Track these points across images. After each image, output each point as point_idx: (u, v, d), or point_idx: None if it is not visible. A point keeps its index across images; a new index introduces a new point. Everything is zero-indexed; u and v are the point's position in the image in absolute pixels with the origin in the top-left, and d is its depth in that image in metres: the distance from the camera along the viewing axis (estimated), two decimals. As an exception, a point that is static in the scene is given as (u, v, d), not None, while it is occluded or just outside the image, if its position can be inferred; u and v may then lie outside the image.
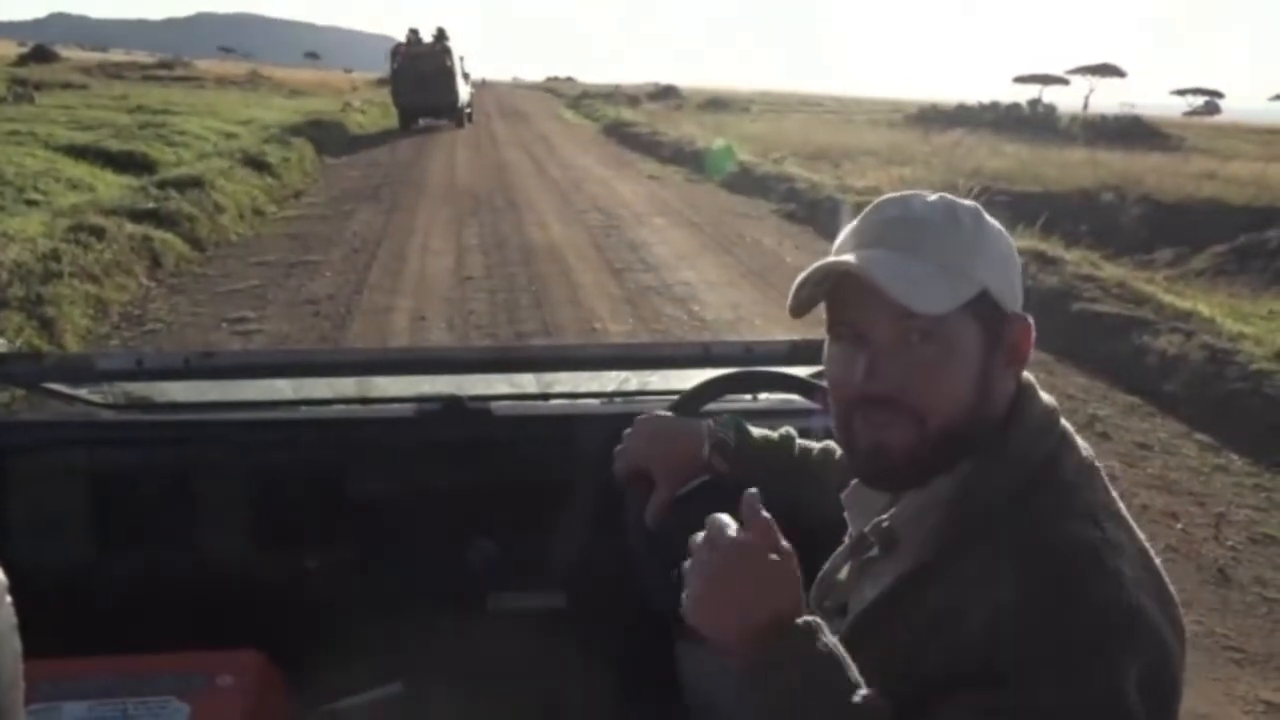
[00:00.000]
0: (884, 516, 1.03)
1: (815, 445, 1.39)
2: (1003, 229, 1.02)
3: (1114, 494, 0.97)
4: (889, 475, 1.01)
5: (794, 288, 1.01)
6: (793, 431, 1.43)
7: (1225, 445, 5.40)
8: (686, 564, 0.97)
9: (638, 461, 1.42)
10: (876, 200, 1.03)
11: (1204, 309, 7.41)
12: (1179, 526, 4.37)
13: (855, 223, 1.02)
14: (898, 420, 0.96)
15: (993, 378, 0.97)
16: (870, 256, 0.96)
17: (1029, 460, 0.95)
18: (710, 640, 0.92)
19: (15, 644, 0.85)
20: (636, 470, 1.42)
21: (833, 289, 1.00)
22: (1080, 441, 1.00)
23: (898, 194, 1.03)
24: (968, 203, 1.01)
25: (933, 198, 1.01)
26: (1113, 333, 7.10)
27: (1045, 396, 1.01)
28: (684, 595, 0.95)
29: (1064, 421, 1.00)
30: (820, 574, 1.12)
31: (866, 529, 1.05)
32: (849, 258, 0.96)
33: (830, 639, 0.90)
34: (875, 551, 1.03)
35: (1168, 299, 7.70)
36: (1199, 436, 5.53)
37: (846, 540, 1.11)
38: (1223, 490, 4.82)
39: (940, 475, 0.98)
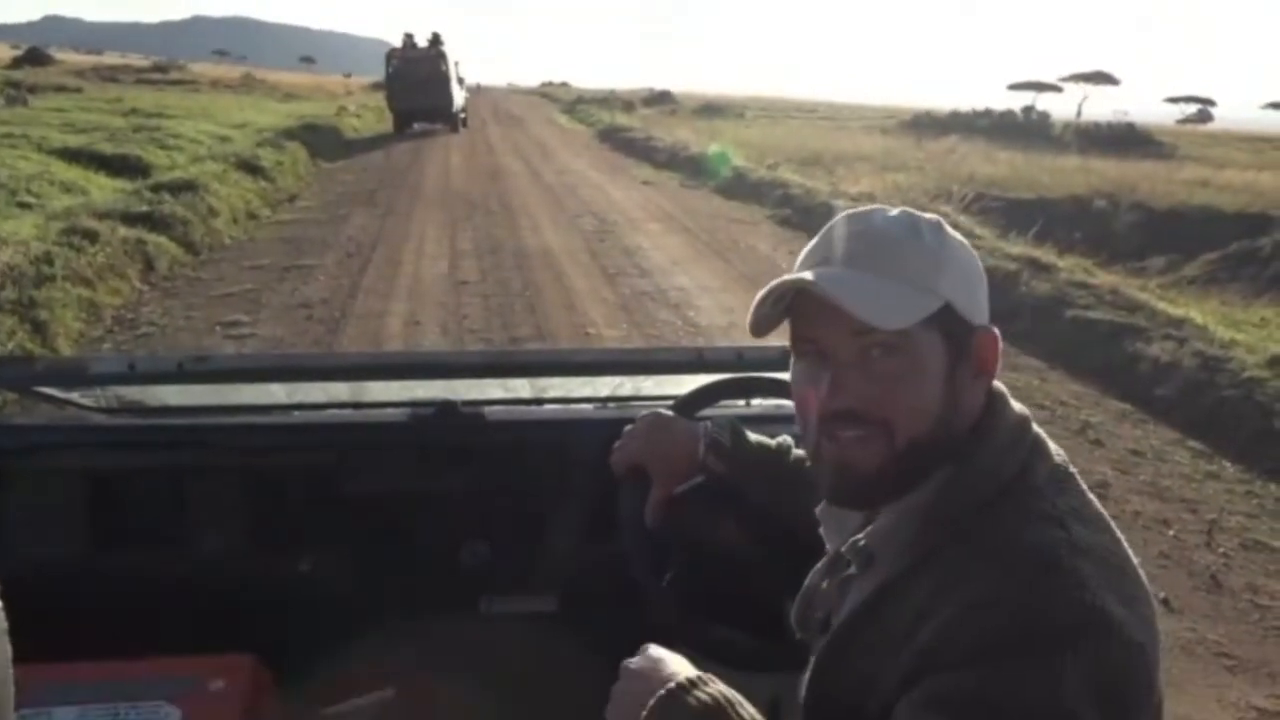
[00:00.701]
0: (859, 536, 1.02)
1: None
2: (965, 242, 1.01)
3: (1089, 498, 0.96)
4: (856, 492, 1.00)
5: (753, 305, 1.00)
6: (790, 440, 1.43)
7: (1217, 452, 5.42)
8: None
9: (635, 458, 1.42)
10: (837, 216, 1.03)
11: (1196, 316, 7.44)
12: (1171, 533, 4.38)
13: (817, 239, 1.02)
14: (863, 435, 0.96)
15: (960, 390, 0.97)
16: (829, 273, 0.96)
17: (1000, 471, 0.95)
18: None
19: (6, 648, 0.85)
20: (633, 467, 1.43)
21: (793, 306, 1.00)
22: (1053, 447, 0.99)
23: (859, 209, 1.03)
24: (930, 216, 1.00)
25: (894, 212, 1.00)
26: (1105, 340, 7.13)
27: (1016, 406, 1.01)
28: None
29: (1036, 428, 1.00)
30: (801, 591, 1.12)
31: (843, 548, 1.05)
32: (808, 274, 0.96)
33: (713, 690, 0.95)
34: (853, 570, 1.03)
35: (1160, 306, 7.73)
36: (1191, 443, 5.55)
37: (826, 555, 1.11)
38: (1215, 497, 4.84)
39: (911, 493, 0.98)
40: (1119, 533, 0.95)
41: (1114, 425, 5.80)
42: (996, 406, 0.99)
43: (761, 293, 0.99)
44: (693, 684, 0.95)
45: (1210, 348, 6.55)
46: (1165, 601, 3.77)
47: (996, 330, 1.00)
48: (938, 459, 0.96)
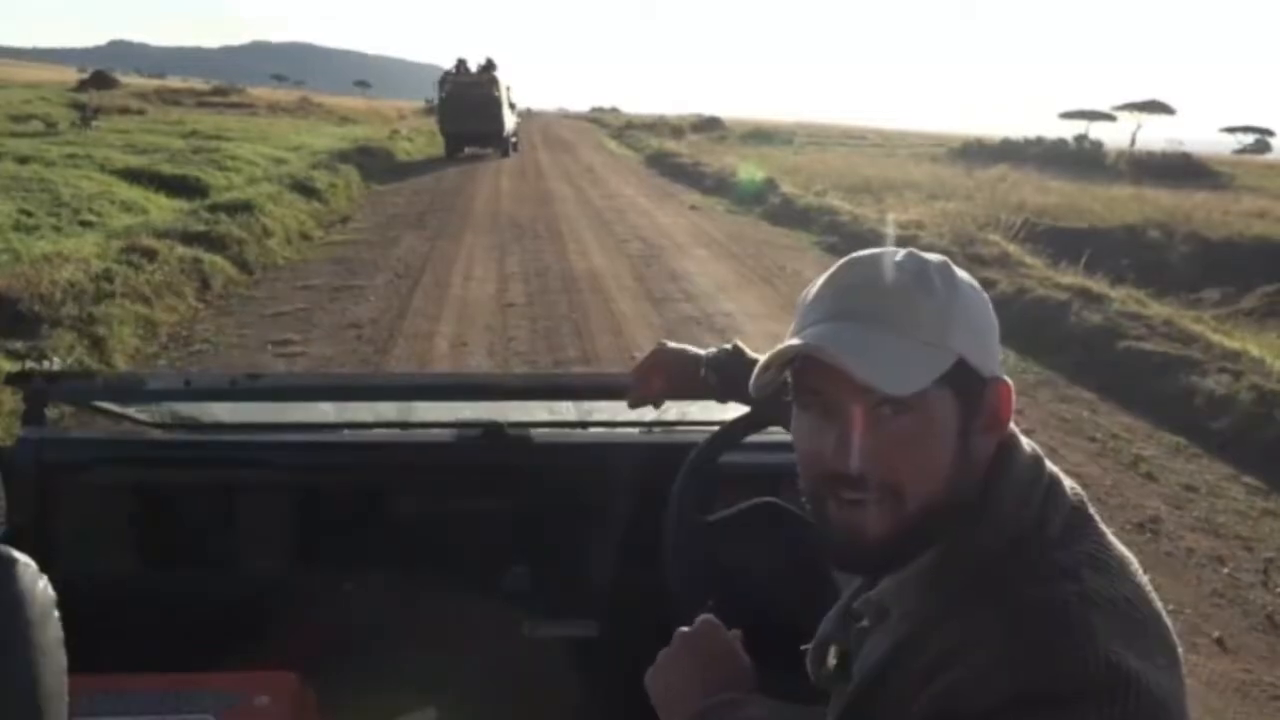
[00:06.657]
0: (871, 590, 1.00)
1: None
2: (975, 284, 0.96)
3: (1107, 541, 0.92)
4: (863, 559, 0.95)
5: (756, 370, 0.96)
6: None
7: (1275, 489, 5.29)
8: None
9: (648, 369, 1.55)
10: (844, 260, 0.98)
11: (1253, 349, 7.28)
12: (1226, 571, 4.28)
13: (822, 286, 0.96)
14: (873, 499, 0.90)
15: (973, 446, 0.92)
16: (837, 333, 0.90)
17: (1011, 523, 0.91)
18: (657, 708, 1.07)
19: (61, 658, 0.87)
20: (646, 374, 1.55)
21: (797, 360, 0.94)
22: (1068, 486, 0.95)
23: (867, 253, 0.97)
24: (936, 259, 0.95)
25: (901, 256, 0.95)
26: (1159, 372, 7.00)
27: (1027, 447, 0.96)
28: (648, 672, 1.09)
29: (1050, 470, 0.95)
30: (816, 638, 1.10)
31: (856, 603, 1.02)
32: (815, 333, 0.91)
33: (755, 713, 0.99)
34: (866, 623, 1.00)
35: (1215, 338, 7.58)
36: (1247, 479, 5.42)
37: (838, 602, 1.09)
38: (1272, 535, 4.72)
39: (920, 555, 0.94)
40: (1142, 578, 0.91)
41: (1167, 459, 5.69)
42: (1008, 451, 0.95)
43: (764, 359, 0.95)
44: (734, 704, 0.95)
45: (1267, 381, 6.41)
46: (1219, 641, 3.68)
47: (1009, 381, 0.95)
48: (948, 520, 0.91)
